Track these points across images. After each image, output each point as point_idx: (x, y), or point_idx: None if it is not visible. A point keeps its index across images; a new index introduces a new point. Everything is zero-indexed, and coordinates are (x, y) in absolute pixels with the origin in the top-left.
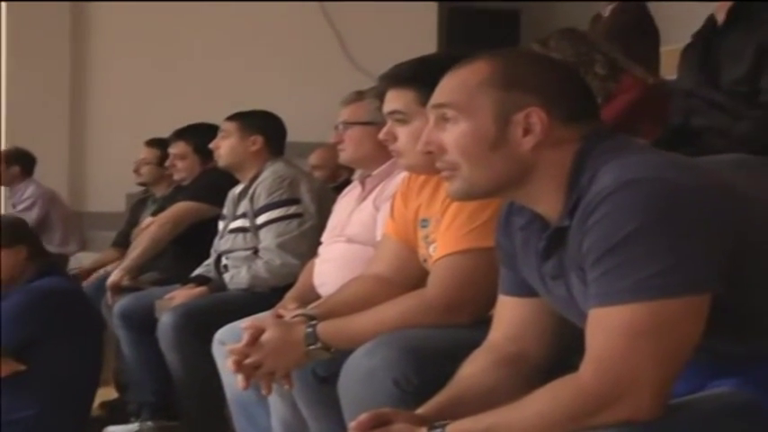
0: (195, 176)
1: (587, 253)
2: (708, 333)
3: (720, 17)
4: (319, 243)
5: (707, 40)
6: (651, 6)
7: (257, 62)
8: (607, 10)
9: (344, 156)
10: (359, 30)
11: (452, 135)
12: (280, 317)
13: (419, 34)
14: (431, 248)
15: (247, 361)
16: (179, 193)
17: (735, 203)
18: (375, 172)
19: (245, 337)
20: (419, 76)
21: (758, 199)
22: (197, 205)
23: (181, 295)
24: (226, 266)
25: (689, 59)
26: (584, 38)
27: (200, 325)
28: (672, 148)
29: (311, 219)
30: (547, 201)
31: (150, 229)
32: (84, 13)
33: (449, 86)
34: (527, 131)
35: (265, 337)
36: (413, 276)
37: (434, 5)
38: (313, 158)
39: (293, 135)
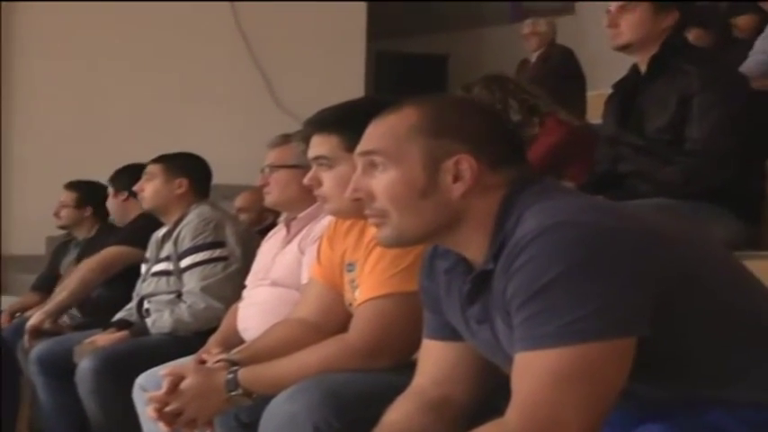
0: (130, 220)
1: (512, 297)
2: (633, 377)
3: (643, 67)
4: (244, 287)
5: (630, 88)
6: (578, 52)
7: (183, 104)
8: (534, 55)
9: (270, 199)
10: (286, 73)
11: (381, 182)
12: (202, 362)
13: (347, 78)
14: (356, 292)
15: (168, 408)
16: (109, 235)
17: (660, 248)
18: (301, 215)
19: (165, 384)
20: (344, 122)
21: (683, 243)
22: (127, 250)
23: (101, 340)
24: (148, 310)
25: (613, 107)
26: (504, 84)
27: (120, 370)
28: (598, 192)
29: (236, 262)
30: (473, 245)
31: (79, 272)
32: (2, 56)
33: (377, 133)
34: (456, 178)
35: (186, 383)
36: (338, 321)
37: (362, 49)
38: (239, 201)
39: (219, 177)
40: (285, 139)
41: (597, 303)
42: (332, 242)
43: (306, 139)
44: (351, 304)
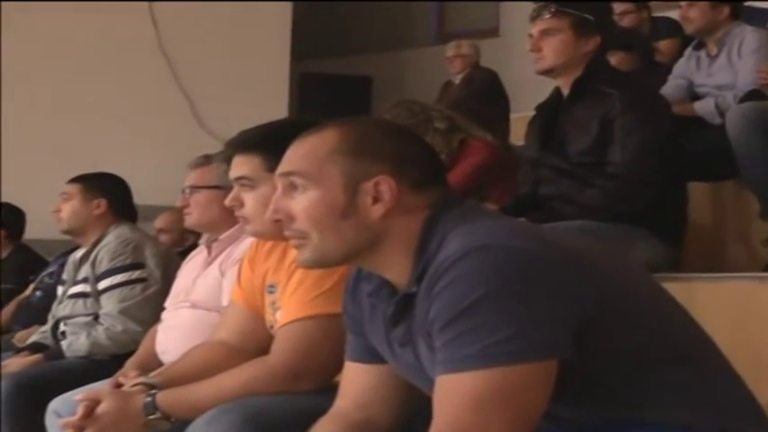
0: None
1: (434, 319)
2: (555, 400)
3: (566, 90)
4: (163, 309)
5: (553, 111)
6: (502, 74)
7: (104, 123)
8: (458, 77)
9: (190, 220)
10: (209, 93)
11: (301, 203)
12: (119, 386)
13: (270, 99)
14: (277, 314)
15: None
16: (26, 254)
17: (582, 270)
18: (222, 236)
19: (80, 410)
20: (266, 142)
21: (603, 266)
22: None
23: (14, 363)
24: (63, 333)
25: (535, 130)
26: (417, 102)
27: (34, 394)
28: (520, 214)
29: (155, 284)
30: (396, 267)
31: None
32: None
33: (297, 154)
34: (376, 200)
35: (101, 408)
36: (259, 343)
37: (286, 70)
38: (159, 222)
39: (139, 198)
40: (206, 159)
41: (519, 326)
42: (253, 264)
43: (228, 160)
44: (272, 326)
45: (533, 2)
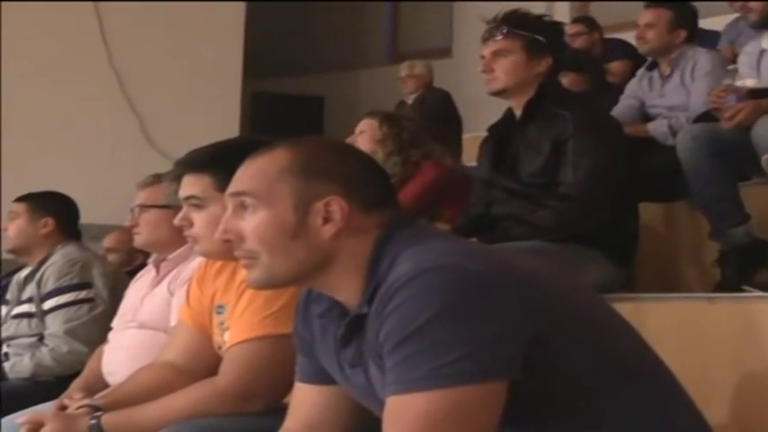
0: None
1: (385, 340)
2: (505, 421)
3: (518, 111)
4: (110, 329)
5: (505, 132)
6: (455, 94)
7: (52, 141)
8: (411, 97)
9: (139, 239)
10: (160, 112)
11: (251, 224)
12: (64, 408)
13: (222, 118)
14: (226, 335)
15: None
16: None
17: (533, 291)
18: (171, 256)
19: None
20: (216, 162)
21: (555, 286)
22: None
23: None
24: (7, 354)
25: (488, 151)
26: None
27: None
28: (472, 234)
29: (103, 304)
30: (346, 288)
31: None
32: None
33: (247, 174)
34: (327, 220)
35: (45, 430)
36: (207, 365)
37: (238, 89)
38: (107, 241)
39: (88, 217)
40: (156, 178)
41: (469, 347)
42: (201, 284)
43: (177, 179)
44: (220, 347)
45: (486, 22)
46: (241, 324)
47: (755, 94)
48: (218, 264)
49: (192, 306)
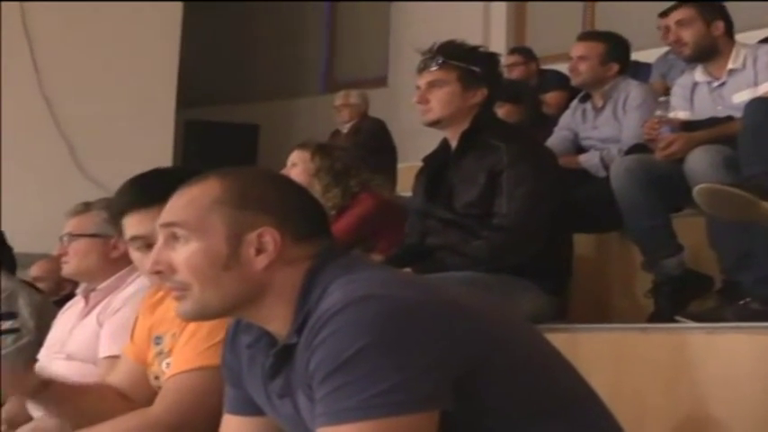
0: None
1: (315, 371)
2: None
3: (453, 142)
4: (37, 360)
5: (441, 162)
6: (390, 124)
7: None
8: (346, 126)
9: (68, 268)
10: (91, 139)
11: (183, 255)
12: None
13: (154, 146)
14: (164, 365)
15: None
16: None
17: (464, 323)
18: (100, 286)
19: None
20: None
21: (487, 316)
22: None
23: None
24: None
25: (423, 181)
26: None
27: None
28: (407, 264)
29: (28, 334)
30: (277, 319)
31: None
32: None
33: (179, 204)
34: (260, 251)
35: None
36: (147, 396)
37: (171, 117)
38: (35, 270)
39: (16, 245)
40: (86, 206)
41: (400, 378)
42: (143, 317)
43: (119, 216)
44: (157, 377)
45: (421, 53)
46: (183, 355)
47: (688, 126)
48: (159, 294)
49: (135, 340)
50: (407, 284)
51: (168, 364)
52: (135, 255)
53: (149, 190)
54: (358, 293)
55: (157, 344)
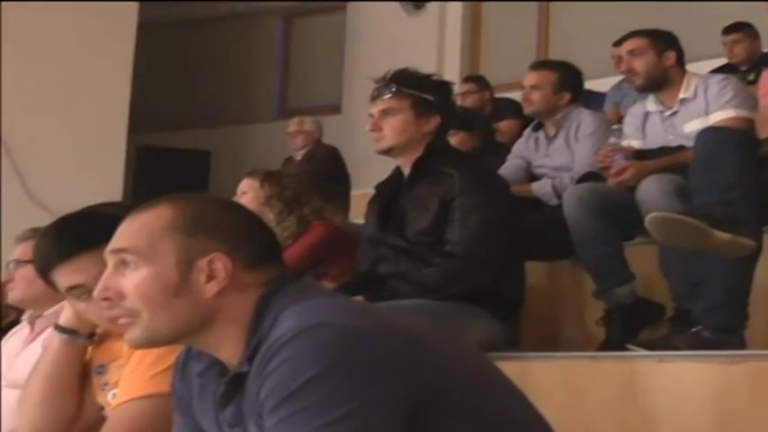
0: None
1: (266, 399)
2: None
3: (406, 170)
4: None
5: (393, 190)
6: (344, 151)
7: None
8: (299, 153)
9: (14, 295)
10: (40, 164)
11: (132, 281)
12: None
13: (105, 171)
14: (110, 395)
15: None
16: None
17: (414, 351)
18: (46, 312)
19: None
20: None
21: (438, 345)
22: None
23: None
24: None
25: (375, 208)
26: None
27: None
28: (358, 292)
29: None
30: (228, 347)
31: None
32: None
33: (130, 230)
34: (210, 277)
35: None
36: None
37: (123, 142)
38: None
39: None
40: (34, 233)
41: (350, 406)
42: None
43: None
44: (103, 408)
45: (375, 81)
46: (130, 383)
47: (641, 154)
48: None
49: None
50: (359, 313)
51: (115, 394)
52: (78, 306)
53: (81, 236)
54: (309, 321)
55: (100, 373)
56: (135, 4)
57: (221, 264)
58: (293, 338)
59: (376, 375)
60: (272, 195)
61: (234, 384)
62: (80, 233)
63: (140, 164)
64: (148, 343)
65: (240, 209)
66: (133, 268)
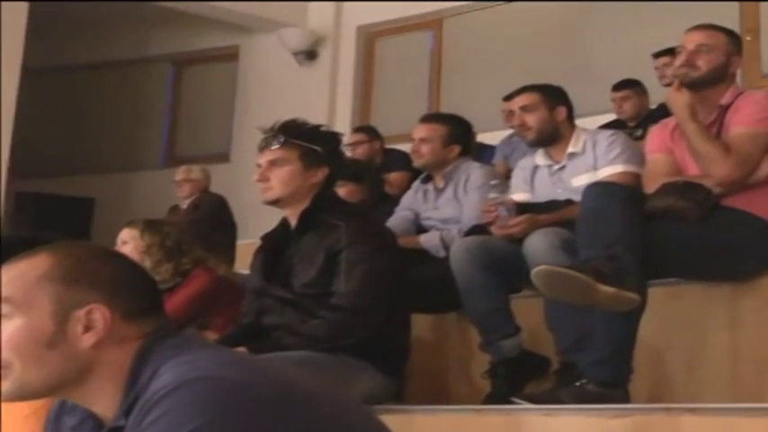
0: None
1: None
2: None
3: (293, 221)
4: None
5: (280, 241)
6: (232, 200)
7: None
8: (186, 202)
9: None
10: None
11: (5, 331)
12: None
13: None
14: None
15: None
16: None
17: (295, 404)
18: None
19: None
20: None
21: (319, 399)
22: None
23: None
24: None
25: (261, 259)
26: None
27: None
28: (242, 343)
29: None
30: (104, 400)
31: None
32: None
33: (5, 279)
34: (88, 328)
35: None
36: None
37: (2, 188)
38: None
39: None
40: None
41: None
42: None
43: None
44: None
45: (263, 131)
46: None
47: (525, 207)
48: None
49: None
50: (241, 365)
51: None
52: None
53: None
54: (189, 375)
55: None
56: (20, 48)
57: (100, 314)
58: (172, 392)
59: (255, 429)
60: (152, 244)
61: None
62: None
63: (20, 210)
64: (19, 396)
65: (121, 258)
66: (7, 318)
